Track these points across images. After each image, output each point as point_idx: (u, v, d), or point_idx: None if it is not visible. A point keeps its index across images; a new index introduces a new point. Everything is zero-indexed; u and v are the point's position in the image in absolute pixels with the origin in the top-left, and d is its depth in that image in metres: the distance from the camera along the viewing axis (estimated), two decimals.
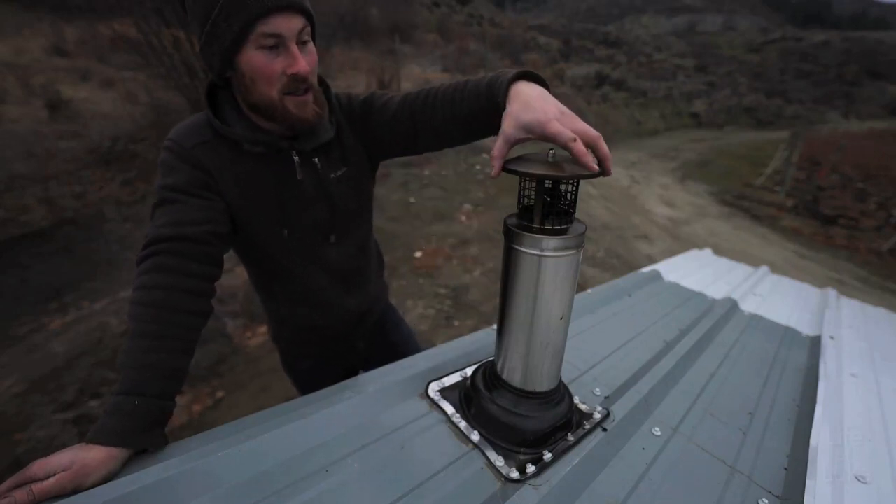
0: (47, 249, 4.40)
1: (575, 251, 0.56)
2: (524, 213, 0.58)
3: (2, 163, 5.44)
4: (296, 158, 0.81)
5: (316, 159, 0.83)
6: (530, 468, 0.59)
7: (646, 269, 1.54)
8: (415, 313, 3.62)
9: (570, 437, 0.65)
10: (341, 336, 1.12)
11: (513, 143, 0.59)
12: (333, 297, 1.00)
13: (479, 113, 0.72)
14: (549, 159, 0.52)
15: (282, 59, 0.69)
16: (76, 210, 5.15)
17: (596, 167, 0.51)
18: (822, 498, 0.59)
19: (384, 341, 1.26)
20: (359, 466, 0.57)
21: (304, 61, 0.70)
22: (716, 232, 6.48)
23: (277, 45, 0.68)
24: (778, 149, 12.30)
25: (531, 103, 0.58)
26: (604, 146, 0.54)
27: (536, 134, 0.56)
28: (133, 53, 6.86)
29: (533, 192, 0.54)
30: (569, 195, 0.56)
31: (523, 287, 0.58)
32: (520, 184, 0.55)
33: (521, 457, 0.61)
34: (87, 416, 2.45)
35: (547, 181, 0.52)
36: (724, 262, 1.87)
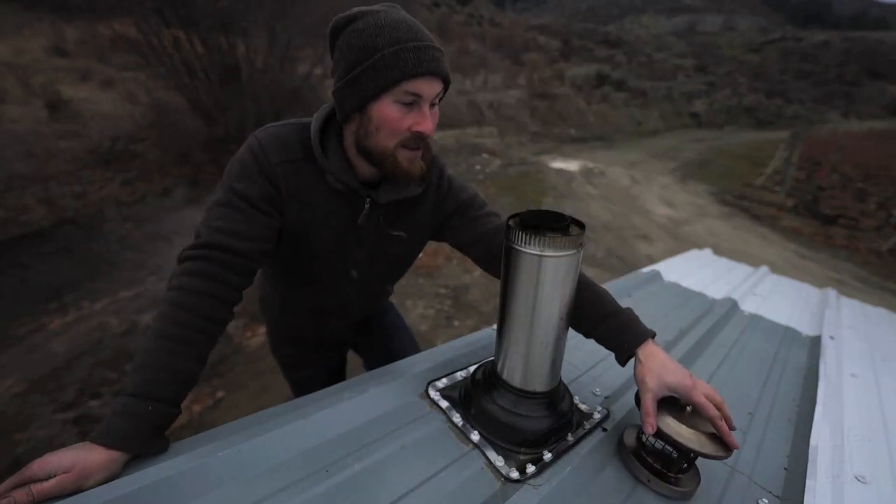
0: (47, 249, 4.40)
1: (575, 251, 0.56)
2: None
3: (2, 163, 5.44)
4: (366, 206, 0.82)
5: (382, 215, 0.84)
6: (530, 468, 0.59)
7: (646, 269, 1.54)
8: (415, 313, 3.62)
9: (570, 437, 0.65)
10: (327, 346, 1.17)
11: (658, 399, 0.64)
12: (333, 319, 1.04)
13: (592, 333, 0.75)
14: (687, 412, 0.60)
15: (412, 115, 0.72)
16: (76, 210, 5.15)
17: (737, 444, 0.58)
18: (822, 498, 0.59)
19: (371, 329, 1.27)
20: (359, 466, 0.57)
21: (431, 122, 0.73)
22: (716, 232, 6.49)
23: (413, 102, 0.71)
24: (778, 149, 12.30)
25: (668, 366, 0.65)
26: (726, 409, 0.62)
27: (681, 396, 0.63)
28: (133, 53, 6.85)
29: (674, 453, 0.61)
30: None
31: (523, 287, 0.58)
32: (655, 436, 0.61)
33: (521, 457, 0.61)
34: (87, 416, 2.45)
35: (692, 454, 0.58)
36: (724, 262, 1.87)
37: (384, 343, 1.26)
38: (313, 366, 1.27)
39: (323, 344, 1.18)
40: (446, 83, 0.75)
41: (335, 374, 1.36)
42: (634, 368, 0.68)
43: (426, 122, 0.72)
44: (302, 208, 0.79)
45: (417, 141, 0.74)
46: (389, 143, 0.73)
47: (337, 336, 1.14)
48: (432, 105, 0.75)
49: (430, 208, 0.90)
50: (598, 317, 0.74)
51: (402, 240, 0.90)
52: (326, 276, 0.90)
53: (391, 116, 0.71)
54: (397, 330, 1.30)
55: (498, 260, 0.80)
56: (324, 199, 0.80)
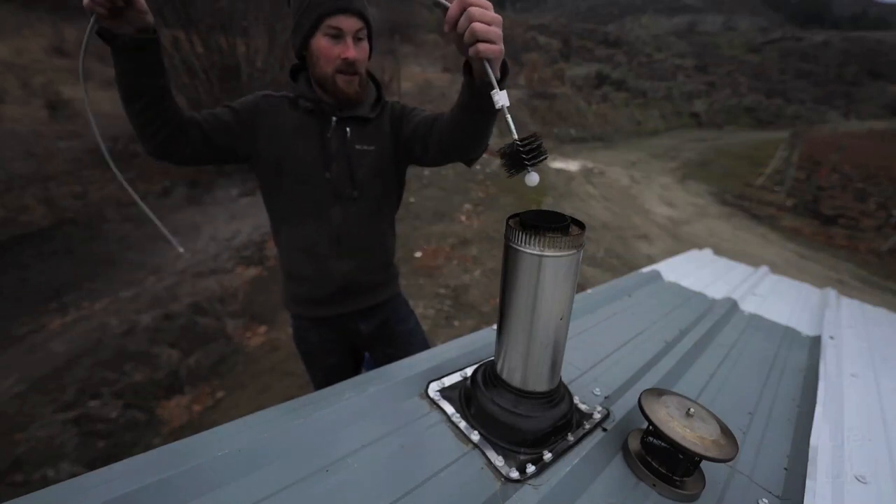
0: (47, 249, 4.40)
1: (575, 251, 0.56)
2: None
3: (2, 163, 5.44)
4: (333, 121, 1.05)
5: (348, 128, 1.06)
6: (530, 468, 0.59)
7: (646, 269, 1.54)
8: (415, 313, 3.62)
9: (570, 437, 0.65)
10: (333, 301, 1.19)
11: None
12: (325, 254, 1.13)
13: (464, 96, 0.85)
14: (689, 413, 0.60)
15: (340, 46, 0.96)
16: (76, 210, 5.15)
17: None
18: (822, 498, 0.59)
19: (390, 331, 1.32)
20: (358, 466, 0.57)
21: (354, 51, 0.96)
22: (716, 232, 6.49)
23: (338, 35, 0.95)
24: (778, 149, 12.30)
25: None
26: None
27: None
28: None
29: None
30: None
31: (523, 287, 0.58)
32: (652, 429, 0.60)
33: (521, 457, 0.61)
34: (87, 416, 2.45)
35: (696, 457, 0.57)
36: (724, 262, 1.87)
37: (397, 350, 1.29)
38: (337, 352, 1.32)
39: (336, 317, 1.23)
40: (365, 20, 0.97)
41: (355, 372, 1.40)
42: (472, 67, 0.75)
43: (349, 50, 0.96)
44: (274, 128, 1.03)
45: (348, 66, 0.97)
46: (328, 70, 0.98)
47: (343, 287, 1.17)
48: (359, 40, 0.98)
49: (388, 128, 1.11)
50: (452, 107, 0.90)
51: (373, 155, 1.09)
52: (309, 195, 1.07)
53: (323, 47, 0.95)
54: (411, 340, 1.35)
55: (442, 129, 0.99)
56: (296, 118, 1.04)
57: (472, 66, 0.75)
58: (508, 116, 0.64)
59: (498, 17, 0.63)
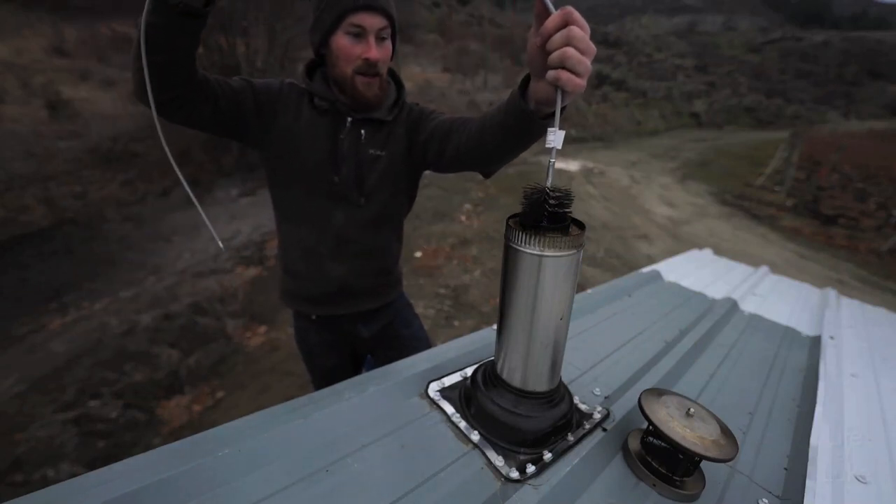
0: (47, 249, 4.40)
1: (575, 251, 0.56)
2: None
3: (2, 163, 5.44)
4: (348, 122, 1.00)
5: (363, 131, 1.01)
6: (530, 468, 0.59)
7: (646, 269, 1.54)
8: (418, 317, 3.62)
9: (570, 437, 0.65)
10: (329, 301, 1.17)
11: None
12: (323, 255, 1.10)
13: (507, 114, 0.78)
14: (689, 413, 0.60)
15: (361, 45, 0.91)
16: (76, 210, 5.16)
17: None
18: (822, 498, 0.59)
19: (393, 334, 1.31)
20: (359, 466, 0.57)
21: (376, 51, 0.91)
22: (716, 232, 6.49)
23: (360, 34, 0.90)
24: (778, 149, 12.31)
25: None
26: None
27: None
28: None
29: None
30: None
31: (523, 287, 0.58)
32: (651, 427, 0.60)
33: (521, 457, 0.61)
34: (87, 416, 2.45)
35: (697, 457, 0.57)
36: (724, 262, 1.87)
37: (400, 354, 1.28)
38: (337, 354, 1.31)
39: (335, 318, 1.21)
40: (389, 19, 0.92)
41: (355, 374, 1.39)
42: (531, 83, 0.67)
43: (371, 50, 0.91)
44: (291, 118, 0.99)
45: (369, 68, 0.92)
46: (347, 70, 0.93)
47: (339, 288, 1.14)
48: (382, 39, 0.93)
49: (403, 132, 1.06)
50: (490, 112, 0.85)
51: (384, 161, 1.05)
52: (314, 197, 1.04)
53: (343, 45, 0.91)
54: (414, 344, 1.34)
55: (462, 124, 0.97)
56: (311, 116, 1.00)
57: (532, 85, 0.67)
58: (553, 161, 0.56)
59: (594, 49, 0.56)
